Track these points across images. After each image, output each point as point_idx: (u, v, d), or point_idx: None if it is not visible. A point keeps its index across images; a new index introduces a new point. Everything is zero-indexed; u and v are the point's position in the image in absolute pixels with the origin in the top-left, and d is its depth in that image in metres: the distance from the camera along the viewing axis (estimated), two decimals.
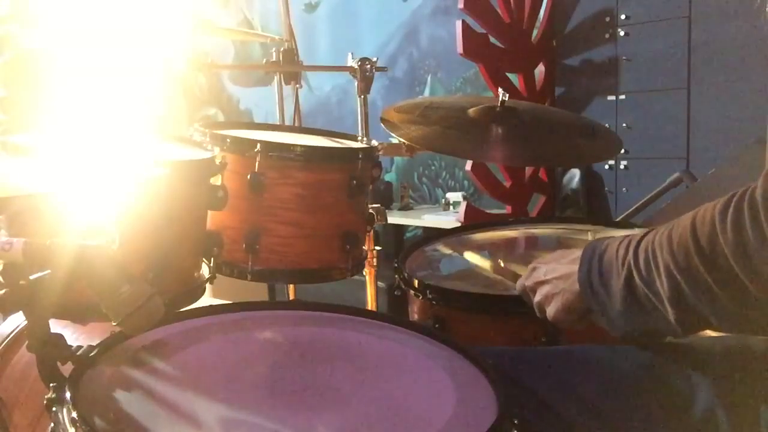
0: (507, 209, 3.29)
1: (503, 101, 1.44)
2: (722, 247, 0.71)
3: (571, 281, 0.89)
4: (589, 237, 1.36)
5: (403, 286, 1.25)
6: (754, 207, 0.69)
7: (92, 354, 0.79)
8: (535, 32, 3.34)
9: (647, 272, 0.79)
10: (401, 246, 3.90)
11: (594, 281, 0.85)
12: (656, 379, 0.88)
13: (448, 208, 3.72)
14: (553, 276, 0.93)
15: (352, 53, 1.61)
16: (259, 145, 1.20)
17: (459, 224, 2.41)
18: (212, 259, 1.12)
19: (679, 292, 0.76)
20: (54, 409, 0.70)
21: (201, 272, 1.12)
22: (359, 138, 1.56)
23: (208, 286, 1.12)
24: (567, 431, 0.87)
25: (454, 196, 3.73)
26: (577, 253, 0.90)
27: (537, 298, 0.95)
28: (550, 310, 0.93)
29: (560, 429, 0.87)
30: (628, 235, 0.85)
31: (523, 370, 0.92)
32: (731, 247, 0.70)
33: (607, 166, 3.16)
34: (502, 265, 1.22)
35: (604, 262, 0.85)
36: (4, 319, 1.38)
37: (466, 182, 3.90)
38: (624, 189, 3.11)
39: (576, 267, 0.88)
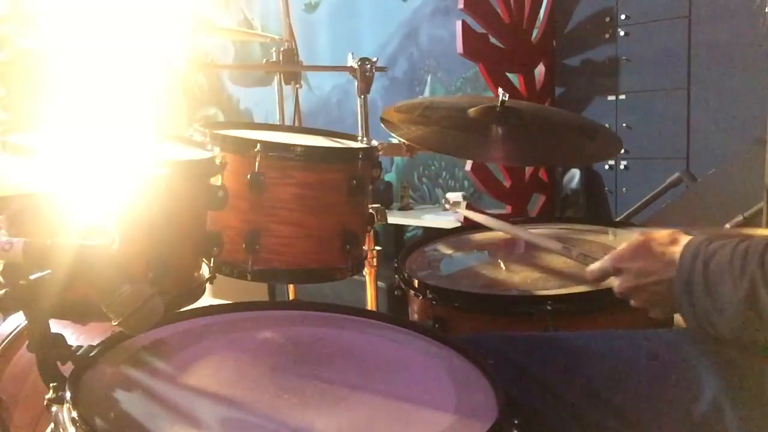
0: (507, 209, 3.29)
1: (503, 101, 1.44)
2: None
3: (670, 288, 0.86)
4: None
5: (403, 286, 1.25)
6: None
7: (92, 354, 0.79)
8: (535, 32, 3.34)
9: None
10: (401, 246, 3.90)
11: (696, 290, 0.82)
12: (663, 368, 0.88)
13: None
14: (647, 281, 0.89)
15: (352, 53, 1.61)
16: (259, 145, 1.20)
17: (459, 224, 2.41)
18: (212, 259, 1.12)
19: None
20: (54, 408, 0.70)
21: (201, 272, 1.12)
22: (359, 138, 1.56)
23: (208, 286, 1.12)
24: (574, 418, 0.87)
25: (454, 196, 3.72)
26: (669, 251, 0.87)
27: (636, 303, 0.92)
28: (658, 313, 0.91)
29: (567, 415, 0.87)
30: (737, 240, 0.83)
31: (531, 356, 0.92)
32: None
33: (607, 166, 3.16)
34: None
35: (711, 271, 0.82)
36: (4, 319, 1.38)
37: (466, 182, 3.89)
38: (624, 189, 3.10)
39: (672, 273, 0.85)
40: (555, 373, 0.90)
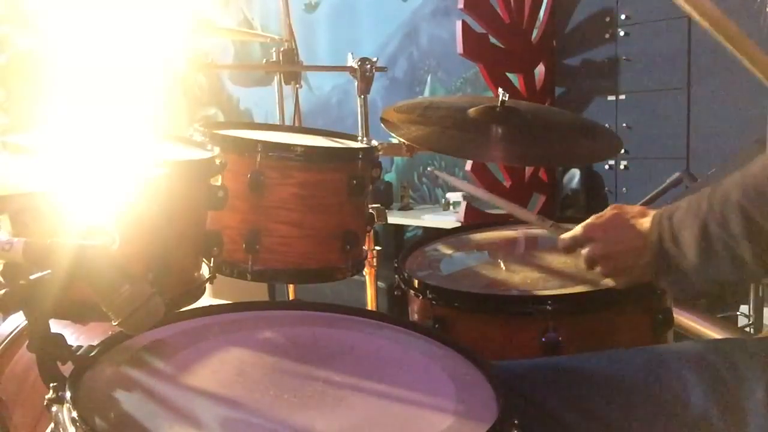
0: None
1: (503, 101, 1.44)
2: None
3: (638, 255, 0.93)
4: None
5: (403, 286, 1.24)
6: None
7: (92, 354, 0.79)
8: (535, 32, 3.35)
9: (722, 215, 0.83)
10: (401, 246, 3.90)
11: (666, 243, 0.89)
12: (653, 382, 0.90)
13: (448, 208, 3.72)
14: (616, 249, 0.96)
15: (352, 53, 1.61)
16: (259, 145, 1.20)
17: (459, 224, 2.41)
18: (212, 259, 1.12)
19: (754, 223, 0.81)
20: (54, 408, 0.70)
21: (201, 272, 1.11)
22: (359, 138, 1.56)
23: (208, 286, 1.12)
24: None
25: (454, 196, 3.72)
26: (638, 222, 0.94)
27: (603, 271, 0.99)
28: (620, 283, 0.98)
29: None
30: (696, 194, 0.89)
31: (528, 382, 0.93)
32: None
33: (607, 166, 3.16)
34: (502, 264, 1.22)
35: (675, 222, 0.89)
36: (4, 319, 1.38)
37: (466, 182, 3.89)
38: (624, 189, 3.10)
39: (642, 241, 0.92)
40: (553, 397, 0.91)
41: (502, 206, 1.32)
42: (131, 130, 1.23)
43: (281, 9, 2.19)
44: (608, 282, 1.02)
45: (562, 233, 1.06)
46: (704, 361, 0.90)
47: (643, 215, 0.95)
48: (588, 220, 1.01)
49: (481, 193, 1.42)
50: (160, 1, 2.32)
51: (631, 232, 0.94)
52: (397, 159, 4.21)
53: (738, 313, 2.46)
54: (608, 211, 0.99)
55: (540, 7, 3.34)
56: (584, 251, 1.00)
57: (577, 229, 1.01)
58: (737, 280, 0.88)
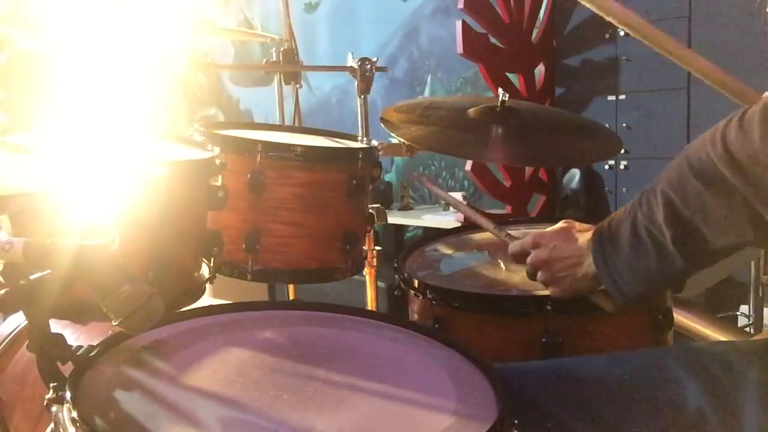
0: (507, 209, 3.29)
1: (503, 101, 1.44)
2: (710, 156, 0.80)
3: (576, 265, 0.96)
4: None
5: (403, 286, 1.25)
6: (744, 122, 0.79)
7: (92, 354, 0.79)
8: (535, 32, 3.35)
9: (648, 206, 0.87)
10: (401, 246, 3.90)
11: (604, 243, 0.92)
12: (649, 383, 0.91)
13: (448, 208, 3.72)
14: (559, 255, 0.98)
15: (352, 53, 1.61)
16: (259, 145, 1.20)
17: (459, 224, 2.41)
18: (212, 259, 1.12)
19: (673, 209, 0.84)
20: (54, 408, 0.70)
21: (201, 272, 1.12)
22: (359, 138, 1.56)
23: (208, 286, 1.12)
24: None
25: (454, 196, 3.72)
26: (582, 236, 0.97)
27: (542, 277, 1.01)
28: (555, 291, 1.00)
29: None
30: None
31: (528, 383, 0.93)
32: (720, 154, 0.79)
33: (607, 166, 3.16)
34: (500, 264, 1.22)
35: (613, 223, 0.92)
36: (4, 319, 1.38)
37: (466, 182, 3.90)
38: (624, 189, 3.11)
39: (580, 252, 0.95)
40: (552, 398, 0.92)
41: (464, 212, 1.34)
42: (131, 130, 1.23)
43: (281, 9, 2.19)
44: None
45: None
46: (700, 363, 0.91)
47: (589, 230, 0.98)
48: (539, 231, 1.04)
49: (448, 197, 1.46)
50: (160, 1, 2.32)
51: (574, 244, 0.97)
52: (397, 159, 4.21)
53: (738, 313, 2.47)
54: (559, 224, 1.03)
55: (540, 7, 3.34)
56: (528, 258, 1.03)
57: (527, 238, 1.04)
58: (666, 276, 0.89)
